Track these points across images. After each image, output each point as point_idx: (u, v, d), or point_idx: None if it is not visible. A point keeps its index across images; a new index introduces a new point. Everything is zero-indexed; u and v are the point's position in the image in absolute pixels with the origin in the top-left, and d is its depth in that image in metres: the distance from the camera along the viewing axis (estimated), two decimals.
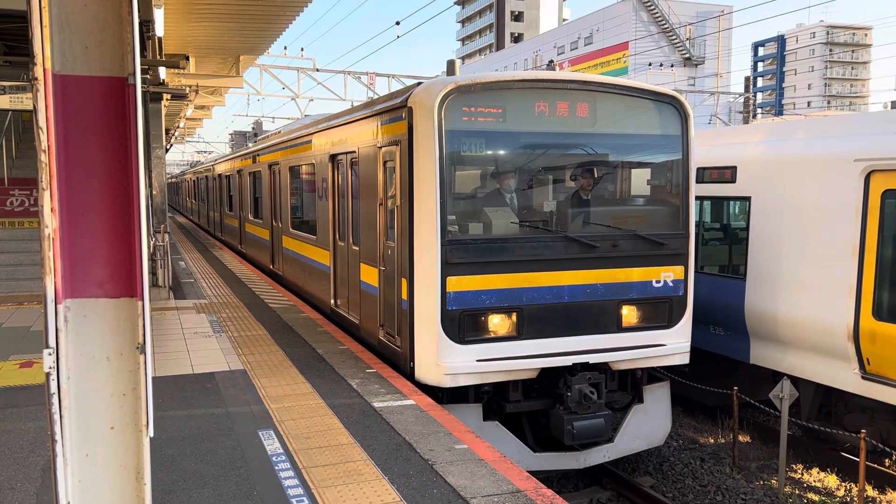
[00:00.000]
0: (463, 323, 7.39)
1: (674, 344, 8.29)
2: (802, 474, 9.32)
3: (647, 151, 8.61)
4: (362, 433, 6.13)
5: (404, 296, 7.79)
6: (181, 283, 15.23)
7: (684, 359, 8.38)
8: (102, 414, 2.62)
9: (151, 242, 14.86)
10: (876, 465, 9.11)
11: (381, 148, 8.43)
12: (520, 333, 7.58)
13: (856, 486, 8.51)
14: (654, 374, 8.86)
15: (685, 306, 8.34)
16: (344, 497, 4.90)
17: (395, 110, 8.00)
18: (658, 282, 8.17)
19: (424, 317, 7.46)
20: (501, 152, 7.95)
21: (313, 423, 6.37)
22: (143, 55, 15.16)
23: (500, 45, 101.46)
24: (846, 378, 8.42)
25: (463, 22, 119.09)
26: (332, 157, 10.73)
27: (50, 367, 2.50)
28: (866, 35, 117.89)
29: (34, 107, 2.40)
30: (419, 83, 7.86)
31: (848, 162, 8.31)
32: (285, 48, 56.02)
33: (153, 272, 14.37)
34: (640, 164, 8.68)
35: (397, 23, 28.10)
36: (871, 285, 8.03)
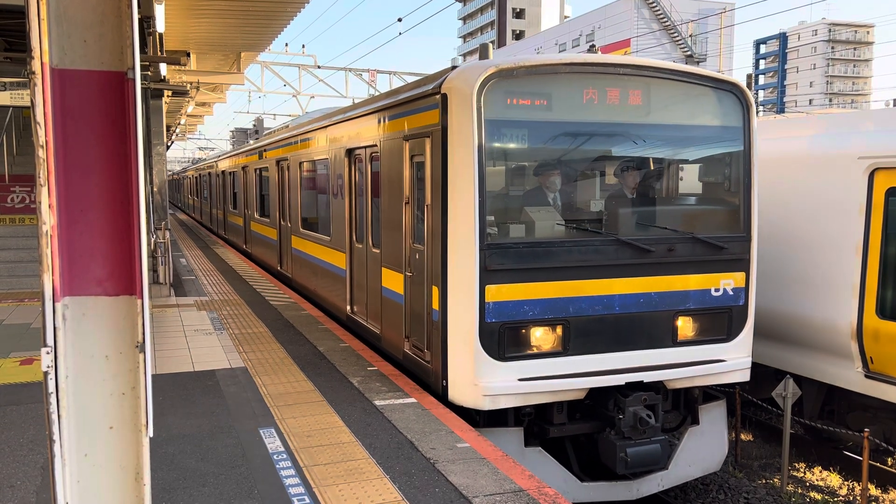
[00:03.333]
0: (503, 337, 6.60)
1: (734, 359, 7.44)
2: (805, 473, 9.29)
3: (706, 144, 7.75)
4: (363, 431, 6.10)
5: (435, 305, 7.02)
6: (182, 281, 15.20)
7: (745, 375, 7.57)
8: (101, 413, 2.58)
9: (152, 239, 14.84)
10: (879, 464, 9.08)
11: (407, 140, 7.69)
12: (566, 349, 6.81)
13: (858, 485, 8.48)
14: (708, 392, 7.97)
15: (746, 317, 7.52)
16: (345, 496, 4.87)
17: (426, 98, 7.21)
18: (717, 290, 7.36)
19: (459, 330, 6.67)
20: (546, 145, 7.13)
21: (314, 422, 6.34)
22: (143, 51, 15.12)
23: (501, 42, 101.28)
24: (849, 377, 8.38)
25: (464, 19, 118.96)
26: (350, 152, 9.95)
27: (48, 366, 2.46)
28: (868, 32, 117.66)
29: (31, 101, 2.36)
30: (454, 67, 7.15)
31: (851, 159, 8.27)
32: (286, 45, 56.02)
33: (154, 269, 14.35)
34: (697, 159, 7.87)
35: (399, 19, 28.05)
36: (874, 283, 7.99)
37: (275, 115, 47.61)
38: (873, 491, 8.66)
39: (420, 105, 7.39)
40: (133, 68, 2.48)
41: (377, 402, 6.84)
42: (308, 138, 12.56)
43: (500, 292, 6.58)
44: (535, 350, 6.77)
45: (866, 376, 8.16)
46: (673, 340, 7.19)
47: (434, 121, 6.95)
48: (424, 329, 7.36)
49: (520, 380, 6.63)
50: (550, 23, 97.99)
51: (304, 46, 40.24)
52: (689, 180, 7.85)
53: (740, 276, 7.47)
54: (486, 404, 6.59)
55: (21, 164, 15.79)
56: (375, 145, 8.77)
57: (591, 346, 6.89)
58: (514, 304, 6.62)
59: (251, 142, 24.59)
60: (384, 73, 33.23)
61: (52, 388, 2.47)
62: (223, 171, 25.44)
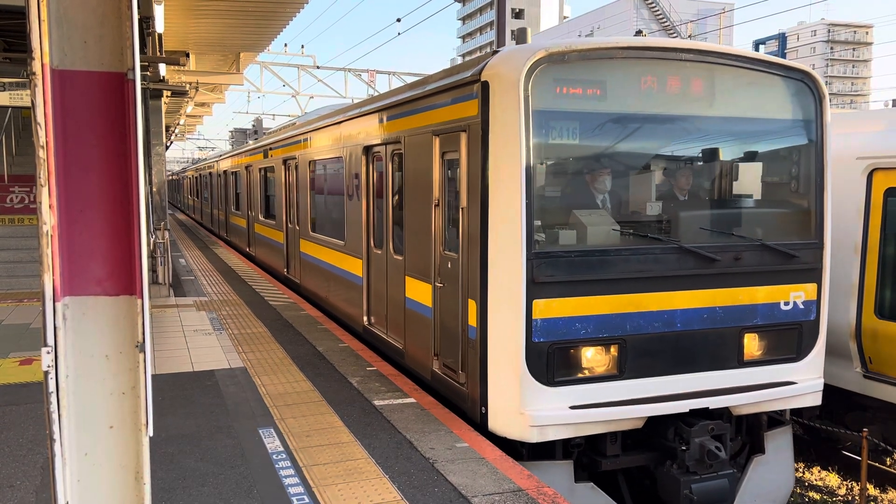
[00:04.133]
0: (553, 359, 5.87)
1: (805, 381, 6.72)
2: (804, 473, 9.30)
3: (773, 139, 6.92)
4: (363, 431, 6.11)
5: (472, 322, 6.28)
6: (181, 281, 15.20)
7: (816, 399, 6.85)
8: (101, 413, 2.59)
9: (152, 240, 14.85)
10: (877, 465, 9.09)
11: (437, 136, 6.97)
12: (622, 371, 6.07)
13: (857, 484, 8.49)
14: (773, 417, 7.19)
15: (817, 334, 6.80)
16: (344, 495, 4.88)
17: (462, 87, 6.47)
18: (787, 303, 6.62)
19: (502, 350, 5.93)
20: (598, 140, 6.34)
21: (314, 422, 6.35)
22: (143, 52, 15.13)
23: (500, 42, 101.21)
24: (848, 376, 8.40)
25: (464, 19, 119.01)
26: (368, 150, 9.19)
27: (48, 366, 2.47)
28: (867, 33, 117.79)
29: (32, 102, 2.37)
30: (495, 52, 6.31)
31: (850, 160, 8.28)
32: (286, 45, 56.09)
33: (153, 269, 14.37)
34: (763, 156, 7.00)
35: (398, 19, 28.06)
36: (873, 284, 8.00)
37: (274, 115, 47.65)
38: (872, 491, 8.68)
39: (454, 95, 6.65)
40: (133, 69, 2.49)
41: (376, 402, 6.84)
42: (319, 135, 11.80)
43: (549, 308, 5.85)
44: (588, 373, 6.03)
45: (865, 376, 8.17)
46: (739, 361, 6.46)
47: (471, 112, 6.24)
48: (459, 347, 6.61)
49: (571, 407, 5.89)
50: (550, 23, 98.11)
51: (303, 47, 40.28)
52: (748, 180, 6.94)
53: (811, 287, 6.73)
54: (533, 436, 5.82)
55: (20, 164, 15.79)
56: (398, 142, 8.04)
57: (650, 368, 6.16)
58: (564, 321, 5.91)
59: (250, 142, 23.85)
60: (383, 73, 33.25)
61: (52, 387, 2.48)
62: (225, 171, 24.73)
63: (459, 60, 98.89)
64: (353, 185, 9.82)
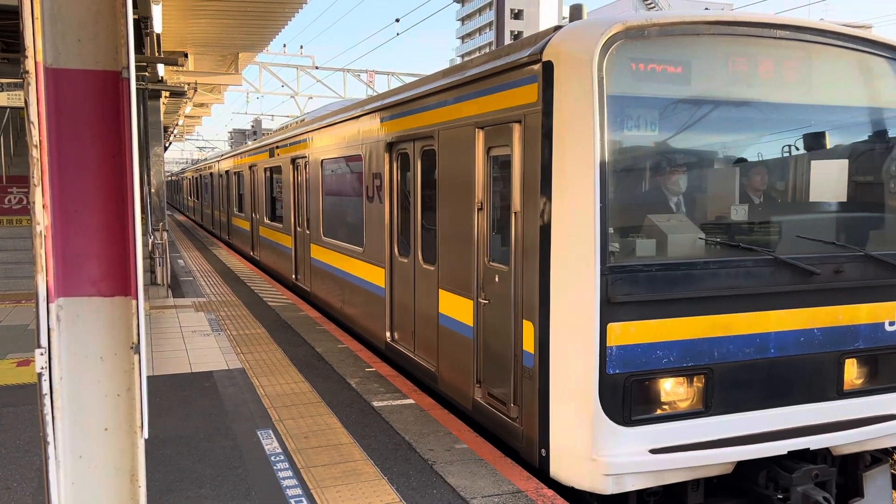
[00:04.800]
0: (630, 394, 4.99)
1: None
2: None
3: (882, 132, 5.96)
4: (361, 433, 6.08)
5: (528, 347, 5.41)
6: (180, 282, 15.17)
7: None
8: (96, 415, 2.57)
9: (150, 240, 14.82)
10: None
11: (482, 128, 6.10)
12: (708, 406, 5.18)
13: None
14: (874, 455, 6.25)
15: None
16: (343, 497, 4.85)
17: (515, 70, 5.56)
18: (892, 324, 5.77)
19: (569, 383, 5.05)
20: (679, 132, 5.40)
21: (312, 423, 6.32)
22: (141, 52, 15.11)
23: (499, 42, 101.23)
24: None
25: (463, 20, 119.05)
26: (391, 147, 8.31)
27: (42, 367, 2.45)
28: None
29: (25, 101, 2.35)
30: (557, 27, 5.37)
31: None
32: (284, 46, 56.04)
33: (152, 270, 14.34)
34: (871, 151, 6.05)
35: (397, 20, 28.06)
36: None
37: (273, 115, 47.62)
38: None
39: (505, 80, 5.74)
40: (128, 68, 2.47)
41: (375, 404, 6.82)
42: (333, 132, 10.83)
43: (626, 333, 4.96)
44: (670, 410, 5.16)
45: None
46: (838, 391, 5.58)
47: (528, 99, 5.35)
48: (510, 376, 5.72)
49: (651, 451, 5.00)
50: (549, 24, 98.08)
51: (301, 47, 40.31)
52: (850, 179, 6.00)
53: None
54: (608, 486, 4.92)
55: (18, 164, 15.77)
56: (430, 137, 7.13)
57: (740, 401, 5.28)
58: (643, 348, 5.03)
59: (249, 143, 23.57)
60: (382, 73, 33.24)
61: (46, 389, 2.46)
62: (227, 171, 23.71)
63: (458, 61, 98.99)
64: (373, 185, 8.88)
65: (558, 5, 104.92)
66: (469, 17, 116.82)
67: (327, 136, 11.18)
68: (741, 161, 5.71)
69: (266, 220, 16.61)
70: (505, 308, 5.82)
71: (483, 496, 4.87)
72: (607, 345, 4.92)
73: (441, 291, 7.02)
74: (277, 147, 15.19)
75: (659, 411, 5.12)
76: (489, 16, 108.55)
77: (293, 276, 13.80)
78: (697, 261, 5.17)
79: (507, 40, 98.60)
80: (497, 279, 5.97)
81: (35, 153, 2.35)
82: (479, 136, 6.19)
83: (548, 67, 5.12)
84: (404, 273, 8.09)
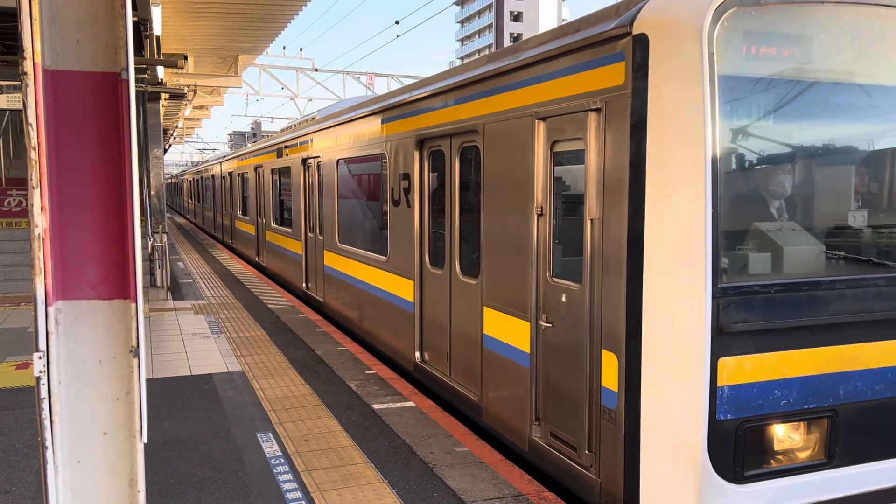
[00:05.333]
0: (744, 444, 4.13)
1: None
2: None
3: None
4: (362, 435, 6.06)
5: (609, 383, 4.57)
6: (179, 284, 15.16)
7: None
8: (95, 419, 2.55)
9: (150, 243, 14.81)
10: None
11: (544, 119, 5.21)
12: (831, 457, 4.32)
13: None
14: None
15: None
16: (343, 501, 4.83)
17: (591, 48, 4.68)
18: None
19: (667, 430, 4.18)
20: (798, 120, 4.51)
21: (312, 426, 6.30)
22: (141, 54, 15.10)
23: (499, 45, 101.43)
24: None
25: (462, 22, 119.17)
26: (422, 144, 7.45)
27: (40, 371, 2.43)
28: None
29: (24, 102, 2.33)
30: None
31: None
32: (284, 48, 56.10)
33: (151, 273, 14.33)
34: None
35: (397, 22, 28.08)
36: None
37: (272, 118, 47.60)
38: None
39: (577, 61, 4.86)
40: (127, 69, 2.45)
41: (375, 406, 6.80)
42: (351, 129, 9.92)
43: (740, 369, 4.09)
44: (785, 462, 4.30)
45: None
46: None
47: (613, 82, 4.48)
48: (583, 416, 4.86)
49: None
50: (548, 26, 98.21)
51: (301, 49, 40.24)
52: None
53: None
54: None
55: (18, 167, 15.78)
56: (473, 131, 6.32)
57: (869, 450, 4.40)
58: (759, 387, 4.16)
59: (252, 143, 23.24)
60: (382, 75, 33.24)
61: (44, 393, 2.44)
62: (230, 173, 22.73)
63: (458, 63, 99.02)
64: (399, 187, 7.98)
65: (558, 8, 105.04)
66: (468, 19, 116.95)
67: (344, 134, 10.28)
68: (872, 157, 4.74)
69: (273, 225, 15.77)
70: (576, 334, 4.91)
71: (484, 499, 4.84)
72: (718, 384, 4.04)
73: (486, 310, 6.15)
74: (286, 147, 14.31)
75: (774, 464, 4.26)
76: (489, 18, 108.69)
77: (303, 285, 13.00)
78: (822, 280, 4.25)
79: (507, 42, 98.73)
80: (564, 299, 5.06)
81: (33, 155, 2.34)
82: (540, 129, 5.27)
83: (640, 42, 4.22)
84: (437, 286, 7.22)
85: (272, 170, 15.69)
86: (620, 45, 4.41)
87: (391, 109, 8.31)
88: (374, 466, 5.41)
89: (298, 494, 4.92)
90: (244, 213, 20.07)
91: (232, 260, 19.91)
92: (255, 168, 17.71)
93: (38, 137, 2.34)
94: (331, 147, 10.99)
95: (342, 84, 33.32)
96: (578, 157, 4.94)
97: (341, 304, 10.64)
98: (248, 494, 4.94)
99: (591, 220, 4.70)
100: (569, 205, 5.22)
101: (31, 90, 2.32)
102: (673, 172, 4.11)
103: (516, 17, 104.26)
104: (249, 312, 11.73)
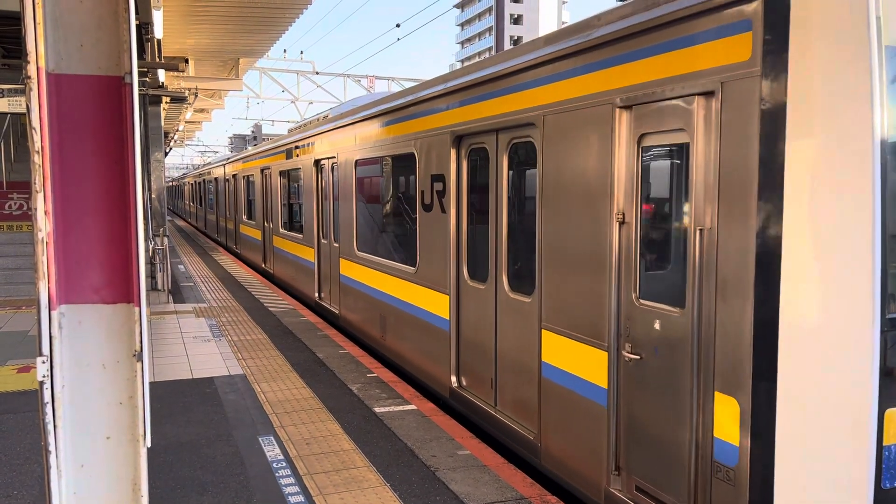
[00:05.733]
0: None
1: None
2: None
3: None
4: (364, 439, 6.05)
5: (725, 433, 3.75)
6: (180, 287, 15.15)
7: None
8: (98, 423, 2.54)
9: (151, 246, 14.81)
10: None
11: (629, 109, 4.38)
12: None
13: None
14: None
15: None
16: None
17: (699, 17, 3.83)
18: None
19: (810, 500, 3.36)
20: None
21: (314, 429, 6.29)
22: (142, 57, 15.12)
23: (499, 48, 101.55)
24: None
25: (462, 25, 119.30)
26: (460, 141, 6.70)
27: (43, 376, 2.43)
28: None
29: (27, 106, 2.33)
30: None
31: None
32: (285, 51, 56.07)
33: (152, 276, 14.33)
34: None
35: (397, 25, 28.11)
36: None
37: (273, 121, 47.63)
38: None
39: (678, 34, 4.00)
40: (130, 73, 2.45)
41: (377, 409, 6.79)
42: (372, 127, 9.14)
43: None
44: None
45: None
46: None
47: (733, 58, 3.64)
48: (685, 472, 4.05)
49: None
50: (548, 29, 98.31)
51: (302, 52, 40.39)
52: None
53: None
54: None
55: (19, 170, 15.78)
56: (529, 124, 5.50)
57: None
58: None
59: (249, 149, 23.05)
60: (382, 78, 33.26)
61: (47, 397, 2.43)
62: (234, 175, 21.88)
63: (459, 66, 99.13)
64: (431, 190, 7.23)
65: (558, 10, 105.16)
66: (469, 22, 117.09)
67: (364, 133, 9.41)
68: None
69: (282, 230, 14.94)
70: (674, 371, 4.09)
71: (486, 503, 4.83)
72: (884, 443, 3.22)
73: (546, 333, 5.33)
74: (297, 147, 13.37)
75: None
76: (489, 21, 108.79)
77: (315, 295, 12.17)
78: None
79: (507, 45, 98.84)
80: (658, 326, 4.23)
81: (37, 159, 2.34)
82: (622, 120, 4.45)
83: (775, 7, 3.39)
84: (479, 303, 6.45)
85: (281, 172, 14.95)
86: (747, 10, 3.53)
87: (422, 103, 7.42)
88: (376, 470, 5.40)
89: (301, 498, 4.91)
90: (250, 218, 19.23)
91: (233, 263, 19.91)
92: (262, 170, 16.93)
93: (41, 141, 2.34)
94: (348, 147, 10.15)
95: (343, 87, 33.35)
96: (678, 153, 4.14)
97: (360, 317, 9.77)
98: (250, 498, 4.93)
99: (699, 230, 3.85)
100: (663, 211, 4.35)
101: (34, 94, 2.32)
102: (824, 172, 3.24)
103: (516, 20, 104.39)
104: (250, 315, 11.73)
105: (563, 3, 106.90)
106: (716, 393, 3.79)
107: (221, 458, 5.64)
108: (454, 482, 5.16)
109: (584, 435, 4.90)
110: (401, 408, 6.85)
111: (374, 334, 9.17)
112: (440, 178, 7.03)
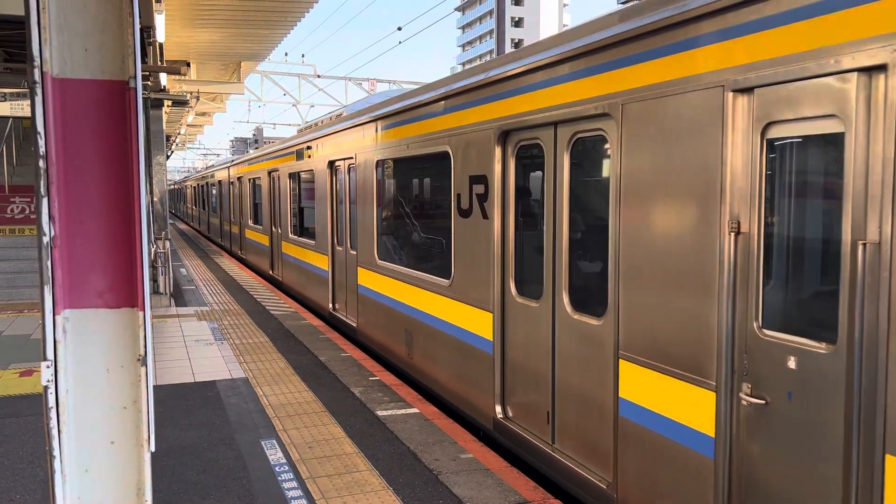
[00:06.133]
0: None
1: None
2: None
3: None
4: (366, 442, 6.04)
5: None
6: (182, 290, 15.15)
7: None
8: (102, 428, 2.54)
9: (152, 249, 14.82)
10: None
11: (748, 91, 3.58)
12: None
13: None
14: None
15: None
16: None
17: None
18: None
19: None
20: None
21: (316, 433, 6.28)
22: (143, 61, 15.15)
23: (500, 50, 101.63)
24: None
25: (463, 28, 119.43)
26: (506, 137, 5.92)
27: (48, 380, 2.42)
28: None
29: (32, 111, 2.33)
30: None
31: None
32: (286, 54, 56.24)
33: (154, 279, 14.33)
34: None
35: (399, 28, 28.12)
36: None
37: (275, 124, 47.69)
38: None
39: None
40: (134, 77, 2.45)
41: (379, 413, 6.78)
42: (395, 125, 8.29)
43: None
44: None
45: None
46: None
47: None
48: None
49: None
50: (549, 31, 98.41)
51: (303, 56, 40.44)
52: None
53: None
54: None
55: (21, 174, 15.81)
56: (603, 115, 4.67)
57: None
58: None
59: (249, 152, 23.13)
60: (384, 81, 33.31)
61: (52, 402, 2.43)
62: (240, 178, 20.96)
63: (460, 69, 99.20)
64: (470, 193, 6.46)
65: (559, 14, 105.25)
66: (469, 25, 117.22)
67: (387, 130, 8.61)
68: None
69: (291, 235, 14.14)
70: (821, 423, 3.29)
71: None
72: None
73: (624, 364, 4.51)
74: (309, 147, 12.46)
75: None
76: (490, 24, 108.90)
77: (330, 306, 11.40)
78: None
79: (508, 48, 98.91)
80: (793, 364, 3.41)
81: (42, 164, 2.34)
82: (737, 106, 3.64)
83: None
84: (531, 323, 5.65)
85: (290, 174, 14.08)
86: None
87: (458, 96, 6.57)
88: (379, 473, 5.40)
89: (304, 502, 4.90)
90: (256, 222, 18.34)
91: (235, 266, 19.91)
92: (270, 172, 16.05)
93: (46, 146, 2.34)
94: (368, 146, 9.26)
95: (344, 90, 33.39)
96: (824, 145, 3.34)
97: (382, 332, 8.91)
98: (252, 502, 4.93)
99: (863, 244, 3.07)
100: (800, 219, 3.51)
101: (39, 99, 2.33)
102: None
103: (517, 23, 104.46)
104: (252, 319, 11.72)
105: (565, 5, 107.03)
106: (886, 456, 3.00)
107: (224, 462, 5.63)
108: (457, 486, 5.15)
109: (682, 489, 4.07)
110: (403, 411, 6.84)
111: (399, 352, 8.35)
112: (481, 179, 6.21)
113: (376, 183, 9.10)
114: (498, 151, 5.95)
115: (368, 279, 9.39)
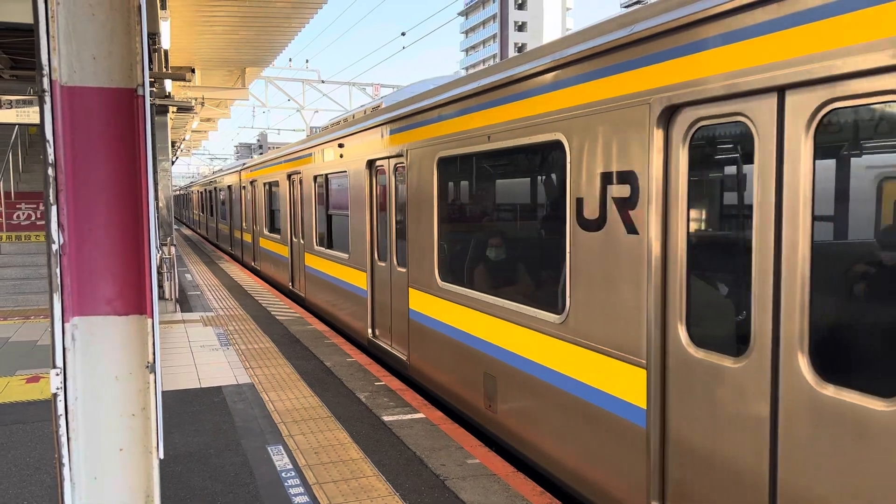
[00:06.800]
0: None
1: None
2: None
3: None
4: (372, 448, 6.03)
5: None
6: (188, 296, 15.18)
7: None
8: (111, 435, 2.54)
9: (158, 255, 14.85)
10: None
11: None
12: None
13: None
14: None
15: None
16: None
17: None
18: None
19: None
20: None
21: (322, 438, 6.28)
22: (149, 68, 15.21)
23: (503, 55, 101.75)
24: None
25: (466, 32, 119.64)
26: (672, 115, 4.10)
27: (57, 388, 2.43)
28: None
29: (41, 119, 2.34)
30: None
31: None
32: (290, 60, 56.34)
33: (160, 285, 14.36)
34: None
35: (403, 33, 28.19)
36: None
37: (279, 129, 47.83)
38: None
39: None
40: (143, 85, 2.46)
41: (385, 418, 6.77)
42: (466, 112, 6.58)
43: None
44: None
45: None
46: None
47: None
48: None
49: None
50: (552, 36, 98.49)
51: (307, 61, 40.58)
52: None
53: None
54: None
55: (27, 181, 15.87)
56: (882, 70, 2.87)
57: None
58: None
59: (254, 156, 22.76)
60: (388, 86, 33.37)
61: (61, 410, 2.43)
62: (252, 182, 19.40)
63: (463, 73, 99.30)
64: (600, 197, 4.66)
65: (562, 18, 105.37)
66: (473, 29, 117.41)
67: (453, 119, 6.86)
68: None
69: (317, 247, 12.47)
70: None
71: None
72: None
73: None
74: (340, 146, 10.82)
75: None
76: (493, 28, 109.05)
77: (369, 332, 9.73)
78: None
79: (511, 52, 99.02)
80: None
81: (51, 172, 2.34)
82: None
83: None
84: (724, 390, 3.75)
85: (315, 177, 12.46)
86: None
87: (581, 62, 4.78)
88: (385, 479, 5.39)
89: None
90: (273, 231, 16.59)
91: (240, 272, 19.93)
92: (290, 175, 14.43)
93: (55, 154, 2.35)
94: (426, 140, 7.55)
95: (348, 95, 33.47)
96: None
97: (448, 373, 7.19)
98: None
99: None
100: None
101: (48, 107, 2.33)
102: None
103: (520, 27, 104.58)
104: (258, 324, 11.73)
105: (568, 10, 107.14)
106: None
107: (230, 468, 5.63)
108: (464, 491, 5.14)
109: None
110: (409, 416, 6.83)
111: (471, 400, 6.67)
112: (627, 177, 4.40)
113: (437, 186, 7.33)
114: (658, 137, 4.13)
115: (425, 304, 7.70)
